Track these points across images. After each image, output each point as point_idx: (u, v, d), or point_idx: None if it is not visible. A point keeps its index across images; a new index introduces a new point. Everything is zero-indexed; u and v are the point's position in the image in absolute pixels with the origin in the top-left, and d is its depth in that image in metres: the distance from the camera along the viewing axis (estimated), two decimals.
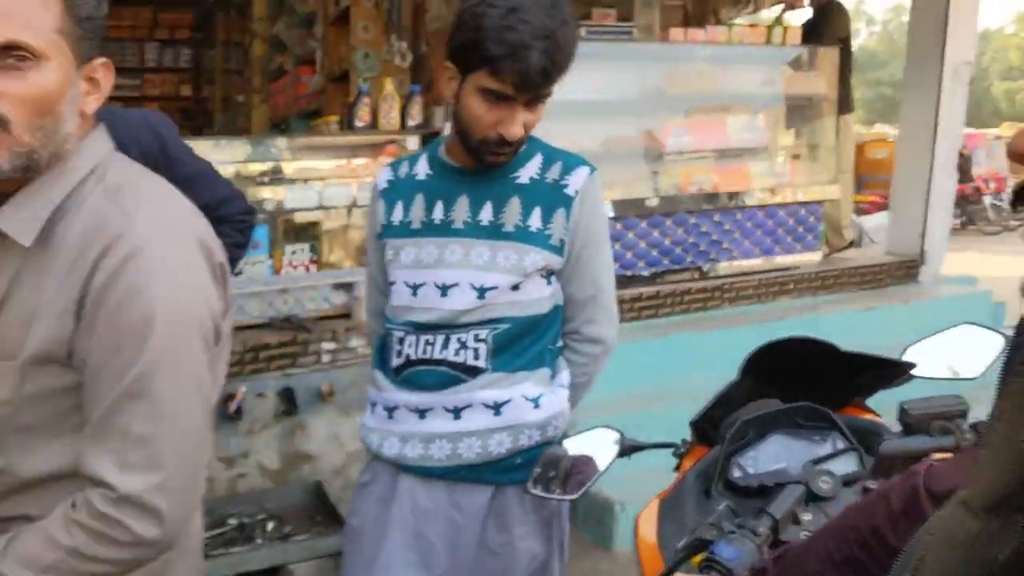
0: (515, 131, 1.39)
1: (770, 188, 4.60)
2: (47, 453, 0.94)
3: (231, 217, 1.88)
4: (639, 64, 4.45)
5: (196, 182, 1.64)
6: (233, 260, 1.89)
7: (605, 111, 4.32)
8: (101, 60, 0.99)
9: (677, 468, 1.38)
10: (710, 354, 3.58)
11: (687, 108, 4.67)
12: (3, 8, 0.88)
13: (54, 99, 0.92)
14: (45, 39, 0.90)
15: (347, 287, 3.62)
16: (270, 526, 2.75)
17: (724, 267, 4.44)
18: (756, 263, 4.55)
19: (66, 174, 0.96)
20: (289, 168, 3.79)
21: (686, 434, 1.42)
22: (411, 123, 3.91)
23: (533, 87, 1.37)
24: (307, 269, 3.68)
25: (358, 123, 3.83)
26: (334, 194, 3.77)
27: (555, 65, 1.37)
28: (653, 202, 4.26)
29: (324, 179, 3.82)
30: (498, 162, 1.45)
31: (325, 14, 5.13)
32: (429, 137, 3.90)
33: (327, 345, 3.33)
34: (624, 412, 3.03)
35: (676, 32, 4.40)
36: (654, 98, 4.54)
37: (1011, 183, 12.54)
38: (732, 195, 4.46)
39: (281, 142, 3.93)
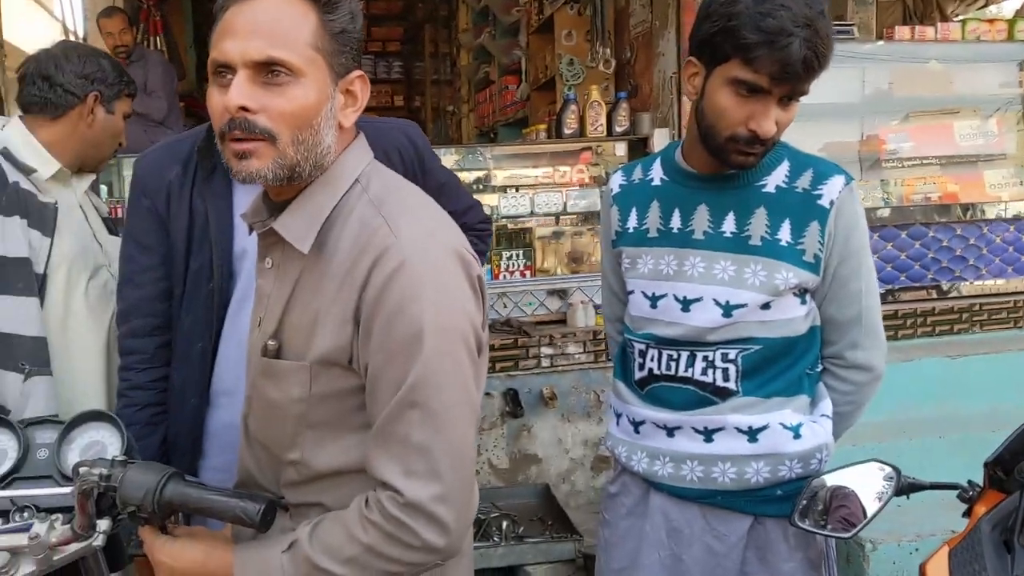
0: (768, 127, 1.28)
1: (1018, 200, 4.10)
2: (336, 449, 1.00)
3: (474, 226, 1.91)
4: (861, 65, 4.15)
5: (445, 191, 1.66)
6: None
7: (825, 114, 4.10)
8: (357, 73, 1.01)
9: (967, 514, 1.25)
10: (964, 385, 3.28)
11: (913, 111, 4.30)
12: (261, 27, 0.92)
13: (312, 113, 0.95)
14: (302, 55, 0.93)
15: (561, 293, 3.77)
16: (504, 525, 2.92)
17: (969, 287, 3.99)
18: (1008, 283, 4.05)
19: (332, 183, 1.00)
20: (500, 176, 4.00)
21: (939, 469, 1.32)
22: (618, 129, 3.96)
23: (792, 79, 1.26)
24: (522, 275, 3.87)
25: (566, 131, 3.93)
26: (544, 201, 3.92)
27: (817, 57, 1.25)
28: (884, 212, 3.97)
29: (534, 186, 3.98)
30: (746, 163, 1.35)
31: (529, 23, 5.27)
32: (636, 144, 3.94)
33: (546, 350, 3.46)
34: (860, 442, 2.80)
35: (902, 31, 4.06)
36: (878, 101, 4.23)
37: None
38: (971, 207, 4.04)
39: (492, 151, 4.15)
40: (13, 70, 2.36)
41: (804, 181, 1.39)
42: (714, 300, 1.39)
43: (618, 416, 1.56)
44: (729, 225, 1.40)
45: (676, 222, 1.44)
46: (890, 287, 3.93)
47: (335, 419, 1.00)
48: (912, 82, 4.22)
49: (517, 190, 3.97)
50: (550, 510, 3.06)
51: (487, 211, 3.35)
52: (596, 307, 3.62)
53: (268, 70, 0.93)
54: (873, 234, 3.91)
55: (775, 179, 1.40)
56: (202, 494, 0.97)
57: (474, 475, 1.01)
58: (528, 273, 3.86)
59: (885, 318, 3.98)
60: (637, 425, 1.50)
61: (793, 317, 1.40)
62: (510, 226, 3.93)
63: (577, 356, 3.48)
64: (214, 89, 0.97)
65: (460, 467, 0.96)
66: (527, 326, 3.55)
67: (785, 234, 1.37)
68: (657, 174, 1.50)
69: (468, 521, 1.00)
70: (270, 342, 1.02)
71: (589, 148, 4.08)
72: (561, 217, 4.01)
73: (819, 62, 1.28)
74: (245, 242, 1.46)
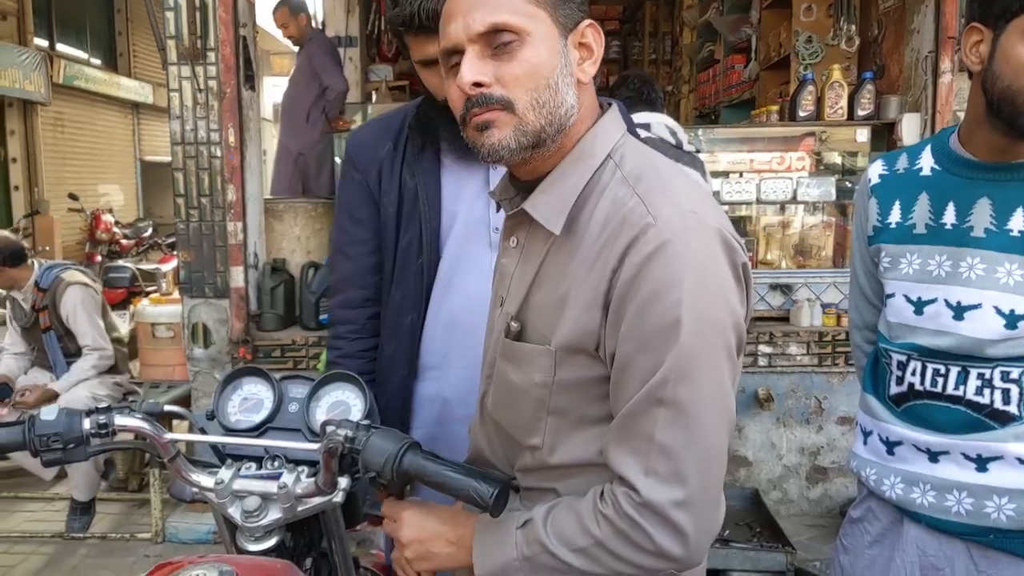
0: None
1: None
2: (577, 440, 0.95)
3: None
4: None
5: None
6: None
7: None
8: (587, 22, 0.95)
9: None
10: None
11: None
12: None
13: (546, 72, 0.90)
14: (523, 13, 0.89)
15: (785, 288, 3.51)
16: None
17: None
18: None
19: (584, 159, 0.95)
20: (724, 159, 3.78)
21: None
22: (860, 113, 3.60)
23: None
24: None
25: (801, 113, 3.64)
26: (772, 188, 3.65)
27: None
28: None
29: (761, 172, 3.73)
30: None
31: None
32: (880, 130, 3.57)
33: (764, 348, 3.26)
34: None
35: None
36: None
37: None
38: None
39: (712, 133, 3.93)
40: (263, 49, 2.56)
41: None
42: (995, 308, 1.21)
43: (867, 434, 1.40)
44: (1018, 222, 1.22)
45: (950, 217, 1.28)
46: None
47: (577, 408, 0.95)
48: None
49: (741, 175, 3.74)
50: (759, 516, 2.89)
51: None
52: (824, 307, 3.35)
53: (494, 39, 0.89)
54: None
55: None
56: (438, 468, 0.96)
57: (721, 484, 0.93)
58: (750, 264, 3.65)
59: None
60: (892, 446, 1.34)
61: None
62: (730, 213, 3.71)
63: (799, 357, 3.25)
64: (449, 80, 0.94)
65: (707, 473, 0.88)
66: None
67: None
68: (927, 163, 1.34)
69: (712, 532, 0.91)
70: (513, 323, 0.98)
71: (812, 134, 3.75)
72: (787, 206, 3.73)
73: None
74: (453, 219, 1.47)
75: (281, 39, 5.38)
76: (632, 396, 0.87)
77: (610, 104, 1.01)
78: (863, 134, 3.69)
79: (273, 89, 5.80)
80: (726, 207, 3.65)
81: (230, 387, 1.15)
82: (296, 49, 5.03)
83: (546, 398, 0.95)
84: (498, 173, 1.41)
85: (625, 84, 2.78)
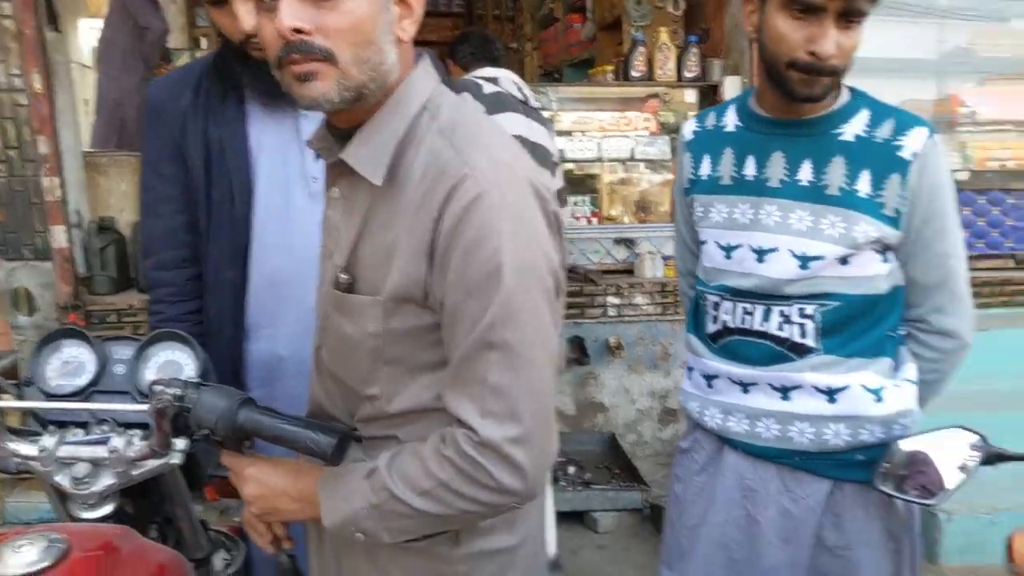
0: (827, 47, 1.23)
1: None
2: (413, 387, 0.97)
3: None
4: (938, 22, 3.94)
5: None
6: None
7: (901, 71, 3.88)
8: None
9: None
10: None
11: (994, 73, 4.07)
12: None
13: (369, 27, 0.89)
14: None
15: (628, 243, 3.65)
16: (571, 470, 2.89)
17: None
18: None
19: (399, 109, 0.95)
20: (566, 119, 3.86)
21: (1014, 445, 1.25)
22: (688, 75, 3.78)
23: None
24: (588, 222, 3.75)
25: (634, 73, 3.77)
26: (613, 146, 3.78)
27: None
28: (963, 176, 3.78)
29: (603, 131, 3.84)
30: (812, 94, 1.28)
31: None
32: (707, 90, 3.76)
33: (612, 299, 3.40)
34: (936, 413, 2.80)
35: None
36: (958, 60, 4.01)
37: None
38: None
39: (555, 91, 4.01)
40: None
41: (885, 131, 1.31)
42: (790, 251, 1.33)
43: (691, 371, 1.51)
44: (806, 174, 1.33)
45: (751, 169, 1.39)
46: (968, 254, 3.73)
47: (412, 356, 0.97)
48: (993, 41, 3.98)
49: (584, 134, 3.83)
50: (616, 459, 3.02)
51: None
52: (665, 258, 3.52)
53: None
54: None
55: (854, 128, 1.33)
56: (275, 422, 0.95)
57: (554, 418, 0.97)
58: (594, 220, 3.77)
59: None
60: (710, 379, 1.45)
61: (874, 275, 1.33)
62: (576, 171, 3.80)
63: (644, 307, 3.41)
64: (264, 18, 0.91)
65: (538, 409, 0.92)
66: (593, 274, 3.49)
67: (864, 185, 1.30)
68: (731, 120, 1.45)
69: (546, 465, 0.96)
70: (342, 275, 0.99)
71: (656, 95, 3.91)
72: (629, 164, 3.87)
73: None
74: (263, 169, 1.43)
75: None
76: (464, 343, 0.90)
77: (421, 55, 1.01)
78: (692, 95, 3.88)
79: (90, 32, 5.28)
80: (572, 165, 3.74)
81: (47, 351, 1.08)
82: None
83: (380, 348, 0.96)
84: (308, 120, 1.38)
85: (467, 41, 2.77)
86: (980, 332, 3.68)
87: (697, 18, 4.10)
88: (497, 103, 2.39)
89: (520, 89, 2.62)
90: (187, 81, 1.45)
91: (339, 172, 1.00)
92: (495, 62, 2.70)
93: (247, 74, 1.38)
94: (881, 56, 3.82)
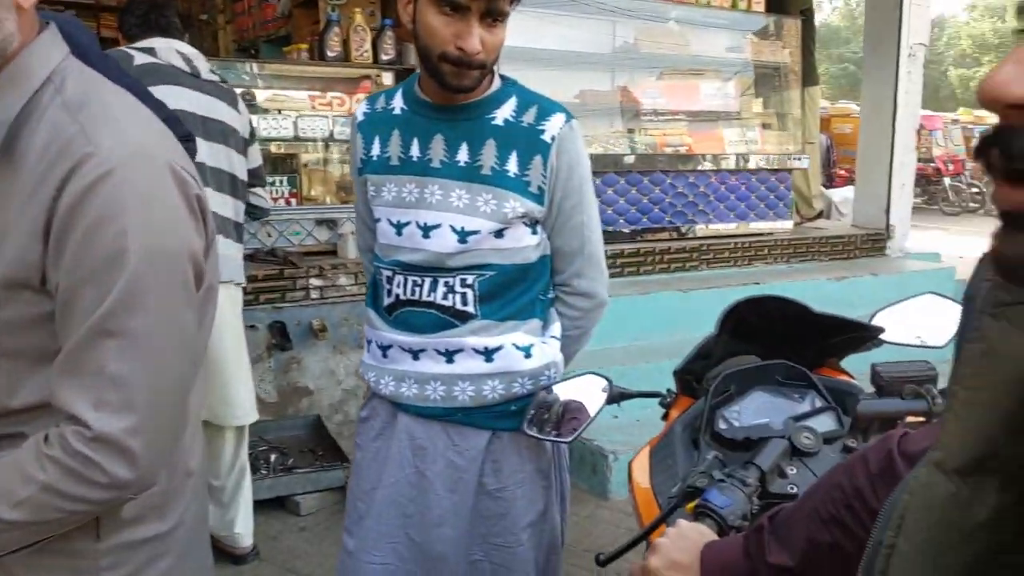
0: (473, 44, 1.34)
1: (742, 154, 4.68)
2: (35, 381, 0.90)
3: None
4: (610, 19, 4.42)
5: None
6: None
7: (578, 64, 4.30)
8: None
9: (664, 417, 1.44)
10: (691, 314, 3.71)
11: (660, 68, 4.69)
12: None
13: None
14: None
15: (330, 223, 3.66)
16: (273, 458, 2.86)
17: (701, 229, 4.56)
18: (732, 227, 4.67)
19: (18, 81, 0.88)
20: (261, 96, 3.75)
21: (670, 387, 1.48)
22: (384, 58, 3.85)
23: None
24: (287, 202, 3.67)
25: (329, 53, 3.75)
26: (310, 126, 3.73)
27: None
28: (630, 159, 4.30)
29: (299, 110, 3.78)
30: (462, 85, 1.39)
31: None
32: (403, 73, 3.86)
33: (315, 281, 3.38)
34: (606, 365, 3.08)
35: None
36: (627, 55, 4.52)
37: (969, 166, 13.13)
38: (708, 158, 4.54)
39: (253, 68, 3.86)
40: None
41: (529, 116, 1.46)
42: (451, 227, 1.44)
43: (369, 343, 1.59)
44: (463, 155, 1.45)
45: (416, 151, 1.48)
46: (634, 228, 4.35)
47: (32, 348, 0.90)
48: (655, 39, 4.59)
49: (280, 112, 3.74)
50: (321, 441, 3.05)
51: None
52: None
53: None
54: (620, 178, 4.28)
55: (503, 113, 1.46)
56: None
57: (182, 410, 0.95)
58: (294, 201, 3.71)
59: (630, 256, 4.39)
60: (385, 350, 1.54)
61: (525, 246, 1.48)
62: (273, 150, 3.71)
63: (348, 288, 3.44)
64: None
65: (159, 399, 0.89)
66: (294, 256, 3.43)
67: (513, 166, 1.43)
68: (399, 103, 1.53)
69: (164, 452, 0.92)
70: None
71: (368, 77, 3.93)
72: (331, 144, 3.86)
73: None
74: None
75: None
76: (80, 330, 0.85)
77: (48, 24, 0.94)
78: (388, 77, 3.95)
79: None
80: (270, 144, 3.63)
81: None
82: None
83: None
84: None
85: (133, 9, 2.54)
86: (643, 295, 4.24)
87: (393, 2, 4.17)
88: (150, 75, 2.24)
89: (189, 61, 2.48)
90: None
91: None
92: (165, 31, 2.51)
93: None
94: (564, 50, 4.24)
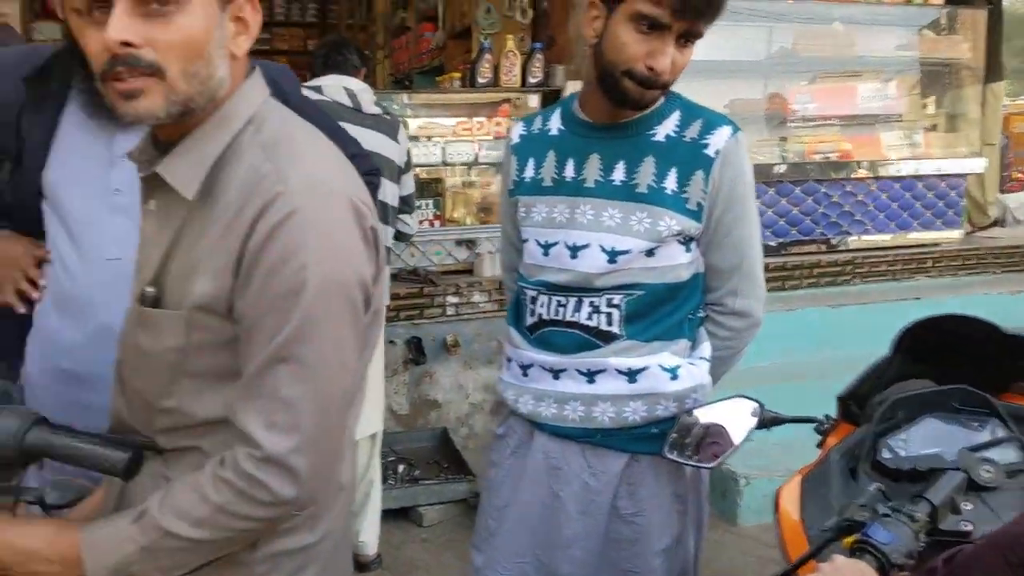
0: (664, 64, 1.32)
1: (906, 159, 4.33)
2: (215, 399, 0.96)
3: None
4: (766, 24, 4.27)
5: None
6: None
7: (729, 72, 4.18)
8: None
9: (820, 445, 1.34)
10: (841, 332, 3.48)
11: (816, 72, 4.46)
12: None
13: (202, 42, 0.89)
14: None
15: (469, 243, 3.73)
16: (400, 469, 2.91)
17: (855, 241, 4.24)
18: (890, 238, 4.30)
19: (224, 124, 0.95)
20: (413, 124, 3.91)
21: (816, 411, 1.38)
22: (532, 81, 3.92)
23: (693, 14, 1.30)
24: (431, 224, 3.80)
25: (480, 80, 3.87)
26: (456, 151, 3.86)
27: None
28: (781, 169, 4.11)
29: (446, 136, 3.92)
30: (641, 101, 1.37)
31: None
32: (550, 95, 3.91)
33: (451, 299, 3.46)
34: (747, 385, 3.03)
35: None
36: (782, 60, 4.35)
37: None
38: (864, 165, 4.24)
39: (405, 98, 4.05)
40: None
41: (693, 131, 1.42)
42: (600, 246, 1.42)
43: (508, 361, 1.58)
44: (619, 174, 1.42)
45: (570, 171, 1.46)
46: (782, 240, 4.11)
47: (214, 368, 0.96)
48: (816, 42, 4.36)
49: (430, 139, 3.89)
50: (447, 453, 3.08)
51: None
52: None
53: None
54: (769, 189, 4.07)
55: (665, 128, 1.43)
56: (67, 441, 0.92)
57: (341, 432, 1.01)
58: (437, 223, 3.82)
59: (775, 270, 4.14)
60: (525, 369, 1.52)
61: (677, 264, 1.43)
62: (423, 175, 3.85)
63: (482, 305, 3.49)
64: (88, 27, 0.89)
65: (323, 420, 0.94)
66: (433, 275, 3.53)
67: (671, 182, 1.40)
68: (555, 124, 1.52)
69: (326, 471, 0.98)
70: (148, 289, 0.97)
71: (508, 100, 4.03)
72: (473, 168, 3.97)
73: (719, 1, 1.32)
74: (65, 176, 1.38)
75: None
76: (259, 357, 0.91)
77: (253, 68, 1.00)
78: (535, 100, 4.02)
79: None
80: (419, 169, 3.77)
81: None
82: None
83: (181, 361, 0.95)
84: (127, 134, 1.33)
85: (319, 50, 2.80)
86: (788, 312, 3.99)
87: (543, 26, 4.27)
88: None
89: (354, 96, 2.63)
90: (15, 68, 1.38)
91: (155, 185, 0.98)
92: (339, 68, 2.72)
93: (83, 81, 1.33)
94: (716, 59, 4.12)
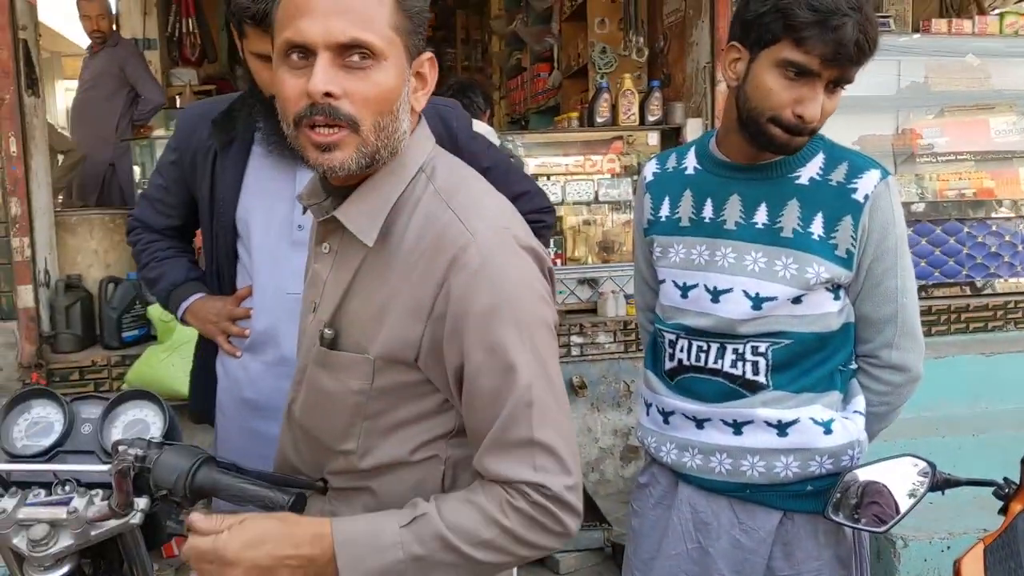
0: (814, 111, 1.28)
1: None
2: (392, 441, 0.98)
3: (526, 215, 1.80)
4: (897, 58, 4.10)
5: (490, 176, 1.57)
6: None
7: (860, 107, 4.03)
8: (428, 55, 0.98)
9: (1003, 511, 1.25)
10: (997, 383, 3.26)
11: (949, 106, 4.24)
12: (343, 6, 0.88)
13: (393, 98, 0.92)
14: (383, 37, 0.90)
15: (592, 282, 3.74)
16: None
17: (1003, 284, 3.95)
18: None
19: (399, 171, 0.97)
20: (531, 164, 3.97)
21: (973, 468, 1.30)
22: (650, 119, 3.92)
23: (843, 62, 1.25)
24: (553, 263, 3.81)
25: (598, 119, 3.90)
26: (576, 189, 3.89)
27: (868, 41, 1.26)
28: (919, 207, 3.91)
29: (565, 175, 3.96)
30: (787, 147, 1.33)
31: (561, 10, 5.23)
32: (669, 133, 3.90)
33: (576, 339, 3.45)
34: (892, 439, 2.82)
35: (939, 23, 4.00)
36: (914, 95, 4.17)
37: None
38: (1006, 203, 3.99)
39: (521, 139, 4.11)
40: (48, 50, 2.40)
41: (839, 174, 1.37)
42: (744, 292, 1.37)
43: (648, 406, 1.55)
44: (761, 216, 1.38)
45: (708, 211, 1.43)
46: (924, 283, 3.89)
47: (392, 411, 0.99)
48: (948, 76, 4.18)
49: (548, 178, 3.94)
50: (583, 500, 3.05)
51: None
52: (627, 297, 3.60)
53: (349, 52, 0.89)
54: (907, 228, 3.84)
55: (809, 171, 1.38)
56: (233, 481, 0.96)
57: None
58: (559, 262, 3.85)
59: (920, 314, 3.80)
60: (667, 416, 1.49)
61: (826, 312, 1.37)
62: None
63: (607, 346, 3.46)
64: (286, 72, 0.92)
65: (574, 452, 0.97)
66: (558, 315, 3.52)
67: (817, 227, 1.34)
68: (691, 163, 1.49)
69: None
70: (326, 330, 1.00)
71: (620, 137, 4.04)
72: (592, 206, 3.99)
73: (869, 46, 1.27)
74: (253, 215, 1.50)
75: (74, 36, 5.03)
76: (498, 408, 0.92)
77: (420, 118, 1.03)
78: (654, 138, 4.01)
79: (67, 93, 5.39)
80: None
81: (15, 412, 1.10)
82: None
83: (363, 404, 0.98)
84: (305, 172, 1.42)
85: (443, 94, 2.88)
86: (937, 359, 3.77)
87: (660, 64, 4.27)
88: None
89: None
90: (209, 116, 1.53)
91: (331, 228, 1.02)
92: (469, 111, 2.79)
93: (267, 124, 1.45)
94: (844, 94, 3.95)
